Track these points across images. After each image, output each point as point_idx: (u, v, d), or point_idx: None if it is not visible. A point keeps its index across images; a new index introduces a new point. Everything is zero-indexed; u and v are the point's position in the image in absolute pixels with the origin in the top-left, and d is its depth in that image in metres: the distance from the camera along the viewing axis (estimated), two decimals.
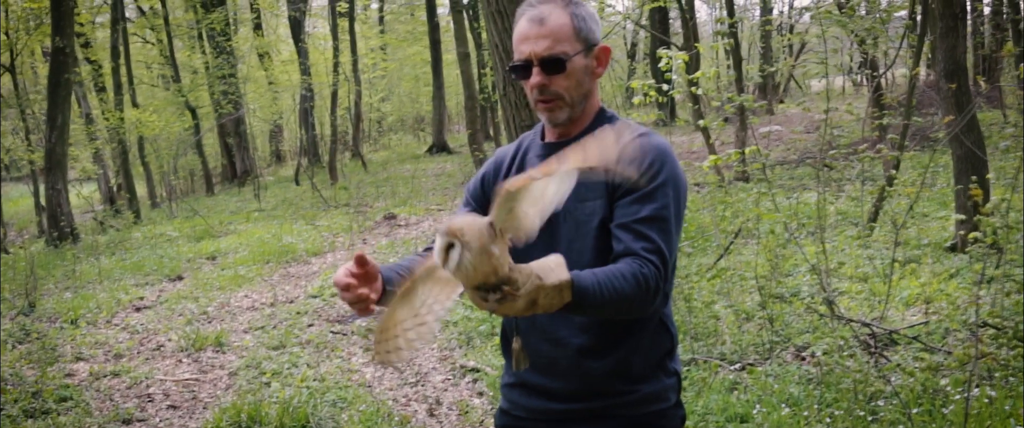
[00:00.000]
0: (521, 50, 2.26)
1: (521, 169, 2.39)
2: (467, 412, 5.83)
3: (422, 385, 6.54)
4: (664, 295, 2.26)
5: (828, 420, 4.65)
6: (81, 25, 22.87)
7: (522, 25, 2.26)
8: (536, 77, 2.24)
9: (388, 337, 1.96)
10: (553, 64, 2.22)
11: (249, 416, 5.60)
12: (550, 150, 2.32)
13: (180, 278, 11.90)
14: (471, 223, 1.71)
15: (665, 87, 7.23)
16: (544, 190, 1.76)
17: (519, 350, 2.12)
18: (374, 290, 1.99)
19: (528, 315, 1.83)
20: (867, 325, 5.92)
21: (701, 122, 9.51)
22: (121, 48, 25.43)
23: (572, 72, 2.24)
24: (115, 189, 25.16)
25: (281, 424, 5.54)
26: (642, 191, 2.13)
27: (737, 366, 5.81)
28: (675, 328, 2.38)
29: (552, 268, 1.84)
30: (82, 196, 23.61)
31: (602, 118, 2.34)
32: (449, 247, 1.70)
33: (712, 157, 7.06)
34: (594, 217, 2.19)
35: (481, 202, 2.46)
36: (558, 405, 2.33)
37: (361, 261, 1.96)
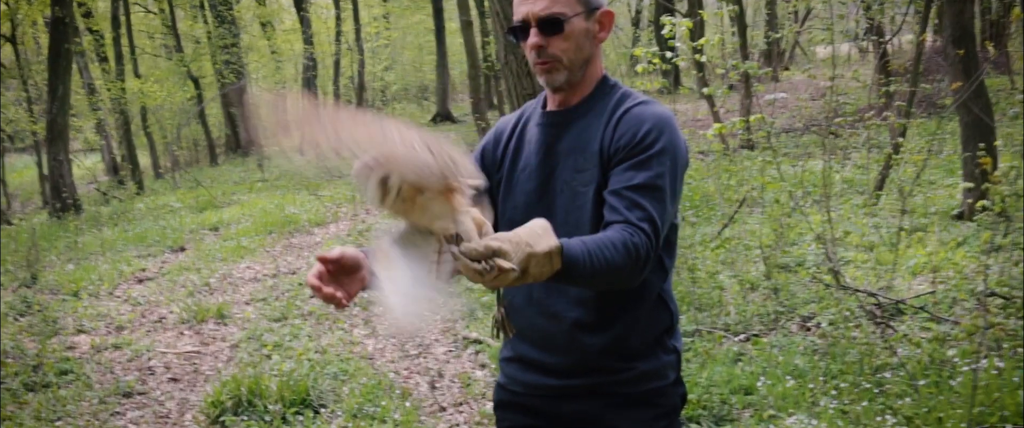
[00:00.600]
0: (519, 11, 2.19)
1: (520, 140, 2.34)
2: (469, 385, 5.79)
3: (424, 357, 6.50)
4: (663, 269, 2.21)
5: (833, 392, 4.59)
6: None
7: None
8: (533, 37, 2.18)
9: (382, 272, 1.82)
10: (550, 24, 2.15)
11: (249, 390, 5.55)
12: (551, 119, 2.28)
13: (182, 249, 11.86)
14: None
15: (668, 55, 7.12)
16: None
17: (503, 319, 2.10)
18: (354, 281, 1.99)
19: (519, 285, 1.76)
20: (873, 295, 5.86)
21: (705, 90, 9.41)
22: (123, 18, 25.29)
23: (571, 34, 2.17)
24: (119, 160, 25.08)
25: (281, 397, 5.49)
26: (637, 158, 2.06)
27: (742, 337, 5.76)
28: (675, 304, 2.32)
29: (540, 234, 1.77)
30: (84, 167, 23.54)
31: (605, 86, 2.27)
32: (385, 179, 1.65)
33: (716, 125, 6.99)
34: (590, 187, 2.13)
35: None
36: (554, 381, 2.28)
37: (323, 261, 1.95)
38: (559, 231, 2.07)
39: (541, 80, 2.24)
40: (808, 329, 5.79)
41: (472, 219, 1.74)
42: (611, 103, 2.21)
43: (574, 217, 2.15)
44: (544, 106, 2.33)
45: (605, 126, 2.16)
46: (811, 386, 4.69)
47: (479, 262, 1.67)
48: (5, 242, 12.41)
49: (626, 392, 2.23)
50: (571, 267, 1.82)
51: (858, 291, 5.85)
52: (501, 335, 2.23)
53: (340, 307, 1.93)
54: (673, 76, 21.57)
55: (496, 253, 1.67)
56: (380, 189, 1.66)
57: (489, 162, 2.38)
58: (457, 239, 1.71)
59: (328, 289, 1.92)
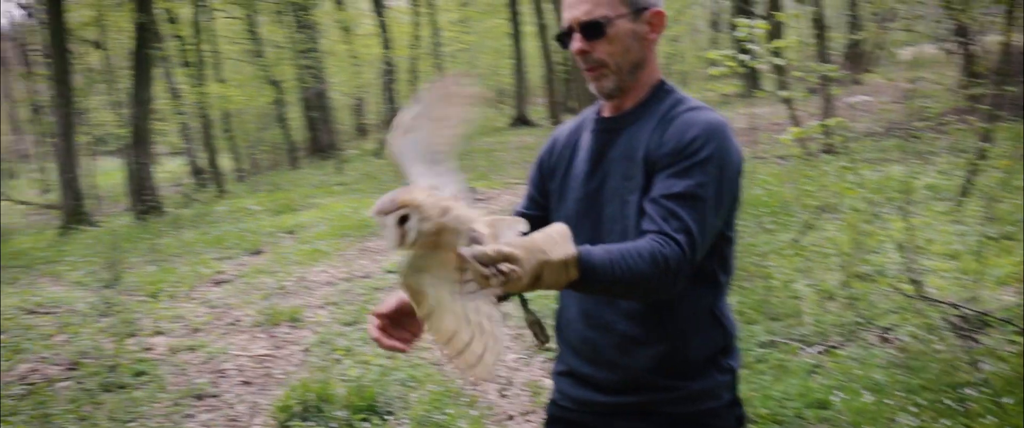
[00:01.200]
0: (564, 18, 2.13)
1: (575, 147, 2.28)
2: (538, 394, 5.71)
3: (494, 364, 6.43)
4: (716, 285, 2.14)
5: (913, 409, 4.42)
6: (166, 0, 23.22)
7: None
8: (577, 43, 2.12)
9: (458, 349, 1.77)
10: (593, 28, 2.09)
11: (317, 395, 5.56)
12: (603, 125, 2.21)
13: (259, 252, 12.00)
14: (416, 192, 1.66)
15: (742, 58, 6.98)
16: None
17: (533, 322, 2.07)
18: (416, 322, 2.05)
19: (534, 291, 1.74)
20: (956, 306, 5.65)
21: (781, 93, 9.23)
22: (203, 23, 25.76)
23: (615, 37, 2.10)
24: (202, 163, 25.55)
25: (349, 403, 5.49)
26: (680, 165, 1.98)
27: (818, 348, 5.60)
28: (731, 322, 2.22)
29: (556, 241, 1.72)
30: (168, 170, 24.05)
31: (660, 92, 2.19)
32: (404, 219, 1.63)
33: (793, 130, 6.83)
34: (635, 194, 2.06)
35: (540, 188, 2.37)
36: (604, 397, 2.22)
37: (379, 316, 2.04)
38: (606, 240, 2.02)
39: (591, 87, 2.17)
40: (887, 341, 5.60)
41: (487, 224, 1.72)
42: (663, 109, 2.13)
43: (621, 226, 2.09)
44: (599, 112, 2.27)
45: (653, 131, 2.09)
46: (889, 402, 4.52)
47: (488, 266, 1.63)
48: (90, 243, 12.72)
49: (677, 412, 2.16)
50: (589, 276, 1.75)
51: (940, 302, 5.65)
52: (537, 343, 2.21)
53: (404, 352, 2.01)
54: (752, 79, 21.28)
55: (507, 258, 1.63)
56: (399, 231, 1.65)
57: (545, 171, 2.34)
58: (470, 244, 1.67)
59: (389, 342, 2.02)
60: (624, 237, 2.06)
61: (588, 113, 2.32)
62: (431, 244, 1.67)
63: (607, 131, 2.20)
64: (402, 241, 1.63)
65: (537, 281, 1.68)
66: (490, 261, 1.62)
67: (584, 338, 2.22)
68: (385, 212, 1.62)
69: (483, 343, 1.75)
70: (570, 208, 2.22)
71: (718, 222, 2.03)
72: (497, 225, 1.75)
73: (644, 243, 1.86)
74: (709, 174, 1.97)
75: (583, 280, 1.75)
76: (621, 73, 2.13)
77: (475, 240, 1.67)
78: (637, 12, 2.12)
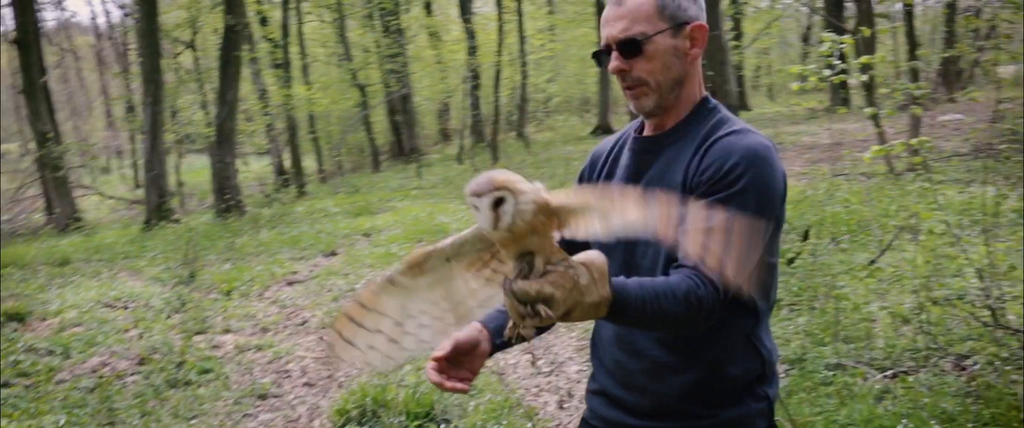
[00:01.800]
0: (603, 35, 2.05)
1: (614, 165, 2.20)
2: None
3: (556, 375, 6.37)
4: (754, 313, 2.05)
5: None
6: (258, 3, 23.63)
7: (606, 8, 2.06)
8: (615, 62, 2.04)
9: (361, 324, 1.77)
10: (630, 46, 2.01)
11: (374, 400, 5.55)
12: (642, 145, 2.13)
13: (334, 254, 12.08)
14: (504, 173, 1.57)
15: (826, 73, 6.81)
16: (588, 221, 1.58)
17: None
18: (474, 358, 2.04)
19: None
20: None
21: (866, 110, 9.01)
22: (294, 27, 26.16)
23: (654, 54, 2.01)
24: (286, 164, 25.94)
25: (406, 410, 5.46)
26: (717, 196, 1.90)
27: (888, 373, 5.40)
28: (769, 351, 2.12)
29: (594, 282, 1.65)
30: (251, 170, 24.44)
31: (702, 110, 2.09)
32: (499, 201, 1.54)
33: (874, 148, 6.62)
34: None
35: None
36: (635, 421, 2.15)
37: (437, 361, 1.99)
38: (639, 263, 1.99)
39: (631, 106, 2.10)
40: (962, 370, 5.38)
41: (552, 244, 1.65)
42: (705, 130, 2.04)
43: (653, 250, 2.02)
44: (640, 131, 2.18)
45: (693, 156, 2.00)
46: None
47: (525, 305, 1.58)
48: (171, 240, 12.96)
49: None
50: (619, 315, 1.71)
51: (1020, 331, 5.41)
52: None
53: (466, 392, 1.99)
54: (842, 95, 20.85)
55: (545, 300, 1.58)
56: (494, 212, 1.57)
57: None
58: (518, 273, 1.62)
59: (450, 384, 1.97)
60: (656, 261, 2.00)
61: (629, 129, 2.24)
62: (521, 234, 1.60)
63: (645, 152, 2.12)
64: (496, 224, 1.56)
65: (567, 316, 1.63)
66: (529, 300, 1.58)
67: (616, 361, 2.16)
68: (479, 193, 1.55)
69: (372, 344, 1.75)
70: None
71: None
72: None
73: (679, 281, 1.80)
74: (747, 205, 1.89)
75: (612, 317, 1.71)
76: (661, 91, 2.05)
77: (530, 267, 1.62)
78: (678, 27, 2.03)
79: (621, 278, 1.73)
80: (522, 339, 2.06)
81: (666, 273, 1.93)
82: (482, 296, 1.75)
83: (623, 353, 2.13)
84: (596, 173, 2.24)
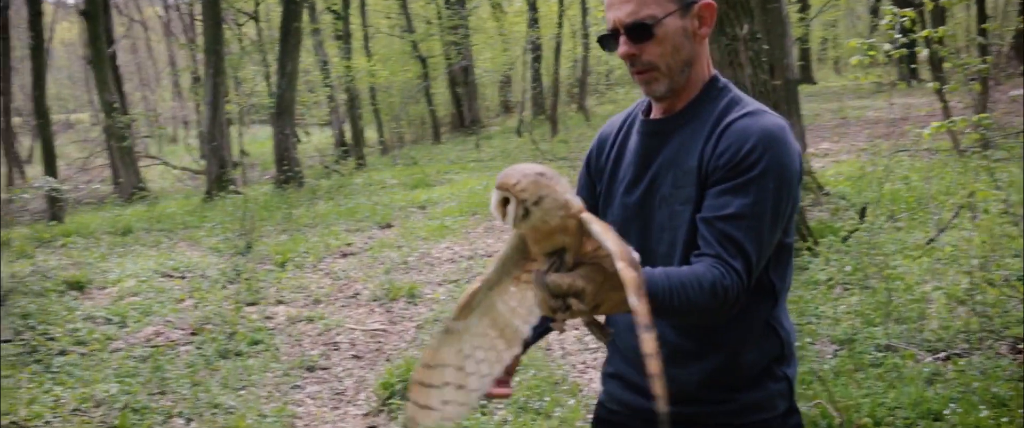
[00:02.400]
0: (607, 18, 1.99)
1: (622, 148, 2.14)
2: None
3: (603, 351, 6.32)
4: (772, 295, 2.02)
5: None
6: None
7: None
8: (623, 47, 1.97)
9: (430, 384, 1.78)
10: (639, 30, 1.94)
11: None
12: (651, 127, 2.07)
13: (389, 226, 12.13)
14: (528, 172, 1.55)
15: (887, 47, 6.65)
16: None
17: (591, 323, 1.89)
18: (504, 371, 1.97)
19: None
20: None
21: (930, 85, 8.79)
22: None
23: (665, 37, 1.94)
24: (346, 135, 26.10)
25: None
26: (735, 181, 1.85)
27: (940, 356, 5.28)
28: (787, 331, 2.10)
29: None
30: (311, 141, 24.62)
31: (712, 90, 2.03)
32: (505, 201, 1.55)
33: (934, 124, 6.46)
34: (687, 207, 1.94)
35: (590, 191, 2.24)
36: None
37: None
38: (655, 248, 1.98)
39: (642, 90, 2.04)
40: (1018, 353, 5.24)
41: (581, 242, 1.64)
42: (716, 112, 1.98)
43: (669, 236, 1.98)
44: (647, 111, 2.13)
45: (706, 139, 1.95)
46: (1006, 419, 4.22)
47: (557, 298, 1.59)
48: (230, 211, 13.11)
49: (729, 423, 2.07)
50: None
51: None
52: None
53: (509, 396, 1.99)
54: (905, 69, 20.34)
55: (577, 293, 1.58)
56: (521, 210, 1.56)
57: (594, 172, 2.22)
58: (549, 267, 1.62)
59: (497, 391, 1.95)
60: (673, 246, 1.97)
61: (636, 110, 2.18)
62: (544, 234, 1.60)
63: (655, 134, 2.06)
64: (522, 220, 1.55)
65: (594, 310, 1.63)
66: (561, 293, 1.58)
67: (633, 346, 2.12)
68: (506, 188, 1.54)
69: (444, 400, 1.75)
70: (617, 213, 2.10)
71: (776, 237, 1.93)
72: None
73: (704, 271, 1.79)
74: (766, 189, 1.85)
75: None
76: (673, 74, 1.99)
77: (560, 261, 1.62)
78: (686, 7, 1.96)
79: (648, 268, 1.70)
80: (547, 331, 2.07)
81: (684, 260, 1.91)
82: (522, 311, 1.73)
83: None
84: (605, 156, 2.19)
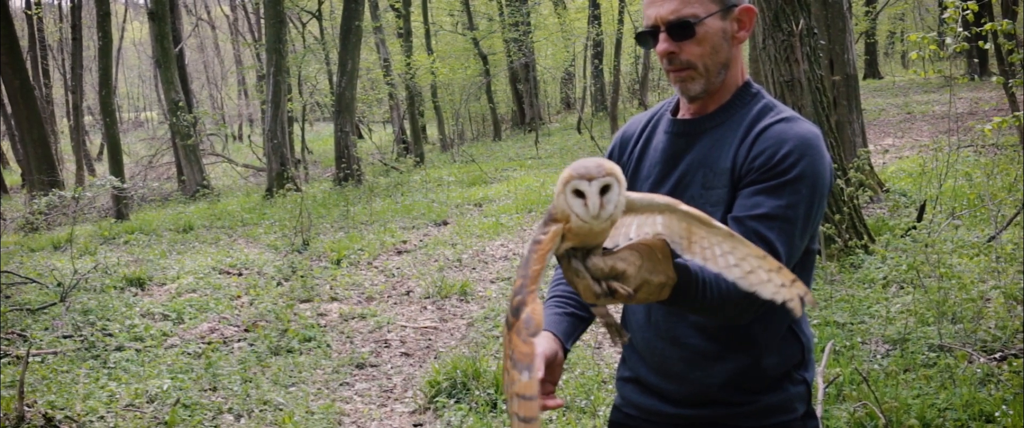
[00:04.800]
0: (648, 15, 1.97)
1: (647, 146, 2.13)
2: None
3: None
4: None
5: None
6: None
7: None
8: (663, 44, 1.96)
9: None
10: (681, 28, 1.93)
11: (464, 373, 5.57)
12: (681, 127, 2.06)
13: (445, 223, 12.19)
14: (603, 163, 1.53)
15: (948, 41, 6.51)
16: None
17: (610, 324, 1.84)
18: (555, 368, 1.97)
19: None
20: None
21: (994, 78, 8.59)
22: None
23: (705, 37, 1.94)
24: (407, 133, 26.25)
25: (496, 382, 5.47)
26: (770, 183, 1.85)
27: (996, 356, 5.16)
28: (808, 337, 2.09)
29: (659, 262, 1.64)
30: (371, 139, 24.78)
31: (745, 94, 2.02)
32: (606, 188, 1.50)
33: (996, 119, 6.31)
34: (719, 208, 1.92)
35: None
36: (671, 408, 2.11)
37: (543, 381, 1.92)
38: None
39: (676, 89, 2.03)
40: None
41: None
42: (750, 115, 1.98)
43: None
44: (674, 111, 2.11)
45: (740, 142, 1.94)
46: None
47: (599, 282, 1.58)
48: (289, 208, 13.25)
49: (749, 426, 2.06)
50: (681, 298, 1.70)
51: None
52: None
53: (561, 406, 1.93)
54: (978, 62, 19.94)
55: (618, 276, 1.58)
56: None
57: None
58: (587, 252, 1.60)
59: (550, 403, 1.90)
60: None
61: (662, 110, 2.16)
62: (599, 231, 1.57)
63: (684, 134, 2.05)
64: (600, 212, 1.52)
65: (631, 297, 1.61)
66: (603, 276, 1.57)
67: (652, 348, 2.11)
68: (590, 177, 1.50)
69: None
70: None
71: (805, 242, 1.92)
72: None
73: None
74: (800, 193, 1.84)
75: (674, 298, 1.70)
76: (709, 75, 1.98)
77: (600, 248, 1.61)
78: (727, 9, 1.96)
79: (683, 259, 1.70)
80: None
81: None
82: None
83: (660, 341, 2.09)
84: (627, 154, 2.18)
